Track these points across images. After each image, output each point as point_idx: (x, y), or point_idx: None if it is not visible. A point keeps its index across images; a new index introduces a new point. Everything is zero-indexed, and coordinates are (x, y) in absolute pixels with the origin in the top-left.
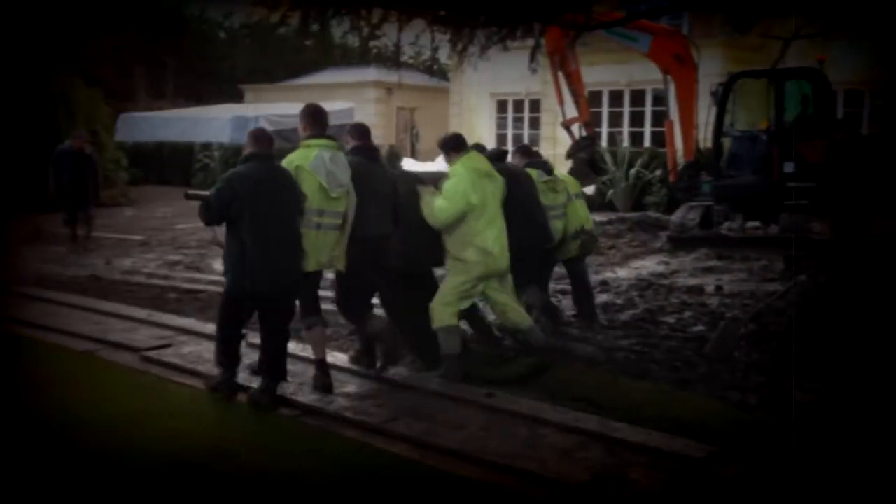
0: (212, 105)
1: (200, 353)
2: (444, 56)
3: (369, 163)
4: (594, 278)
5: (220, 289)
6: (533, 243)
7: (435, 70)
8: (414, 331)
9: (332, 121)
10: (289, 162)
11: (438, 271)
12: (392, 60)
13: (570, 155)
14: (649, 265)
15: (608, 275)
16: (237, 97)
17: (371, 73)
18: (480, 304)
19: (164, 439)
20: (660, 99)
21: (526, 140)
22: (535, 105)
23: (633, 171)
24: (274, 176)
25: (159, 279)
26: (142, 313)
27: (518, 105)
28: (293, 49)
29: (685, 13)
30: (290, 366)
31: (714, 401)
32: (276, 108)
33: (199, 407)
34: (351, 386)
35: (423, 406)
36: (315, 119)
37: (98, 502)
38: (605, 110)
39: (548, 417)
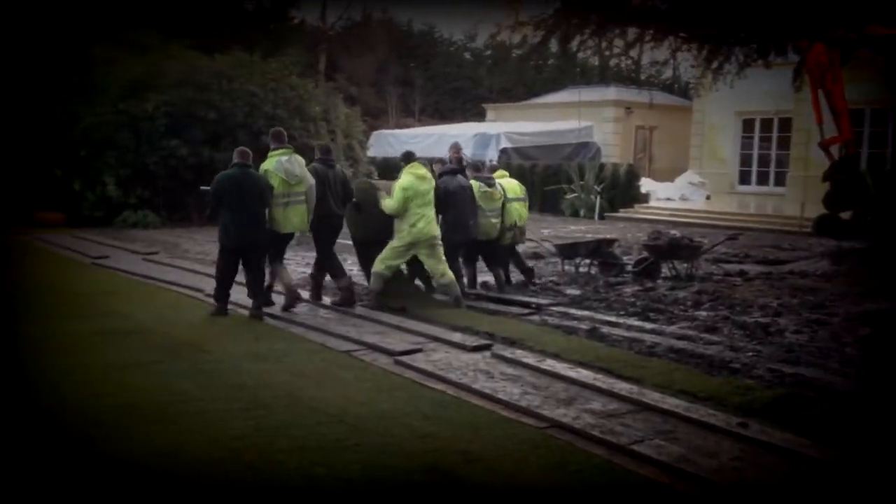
0: (456, 123)
1: (449, 361)
2: (686, 74)
3: (327, 168)
4: None
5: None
6: (458, 239)
7: (675, 88)
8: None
9: (571, 139)
10: (262, 168)
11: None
12: (632, 79)
13: (827, 177)
14: None
15: None
16: (479, 115)
17: (610, 92)
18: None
19: (416, 439)
20: None
21: (773, 161)
22: (785, 124)
23: None
24: (245, 176)
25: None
26: (393, 319)
27: (766, 124)
28: (534, 68)
29: None
30: (535, 379)
31: None
32: (515, 126)
33: (448, 412)
34: (596, 403)
35: (673, 429)
36: (276, 137)
37: (357, 495)
38: (866, 130)
39: (807, 453)
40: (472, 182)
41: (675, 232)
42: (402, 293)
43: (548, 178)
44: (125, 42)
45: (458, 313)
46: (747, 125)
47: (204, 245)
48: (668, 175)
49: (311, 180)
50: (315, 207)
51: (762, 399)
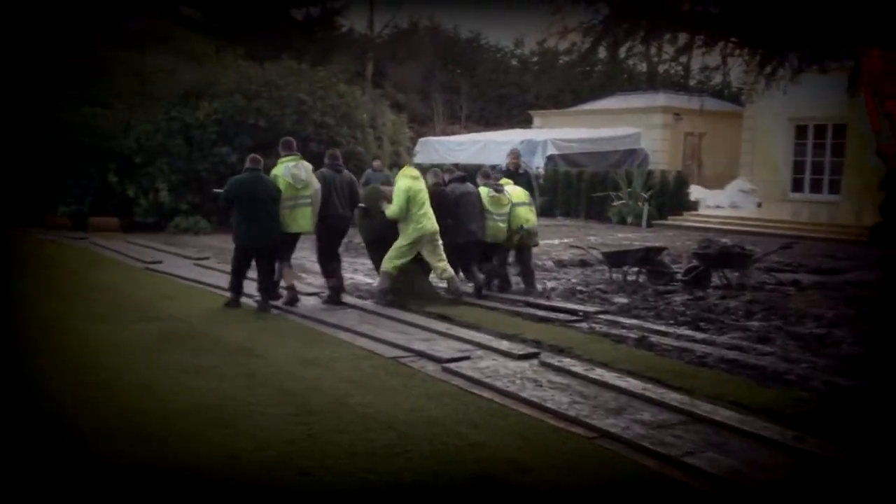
0: (502, 129)
1: (497, 369)
2: (738, 79)
3: (335, 172)
4: None
5: (511, 306)
6: (461, 241)
7: (725, 94)
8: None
9: (619, 146)
10: (272, 173)
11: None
12: (681, 85)
13: (884, 185)
14: None
15: None
16: (525, 122)
17: (659, 98)
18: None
19: (465, 447)
20: None
21: (827, 168)
22: (839, 130)
23: None
24: (257, 180)
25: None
26: (440, 326)
27: (819, 130)
28: (581, 75)
29: None
30: (583, 388)
31: None
32: (562, 132)
33: (497, 420)
34: (646, 413)
35: (725, 441)
36: (286, 146)
37: (408, 503)
38: None
39: (864, 468)
40: (482, 188)
41: (725, 240)
42: (420, 291)
43: (595, 184)
44: (181, 51)
45: (505, 320)
46: (800, 131)
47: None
48: (717, 182)
49: (317, 185)
50: (321, 208)
51: (818, 412)
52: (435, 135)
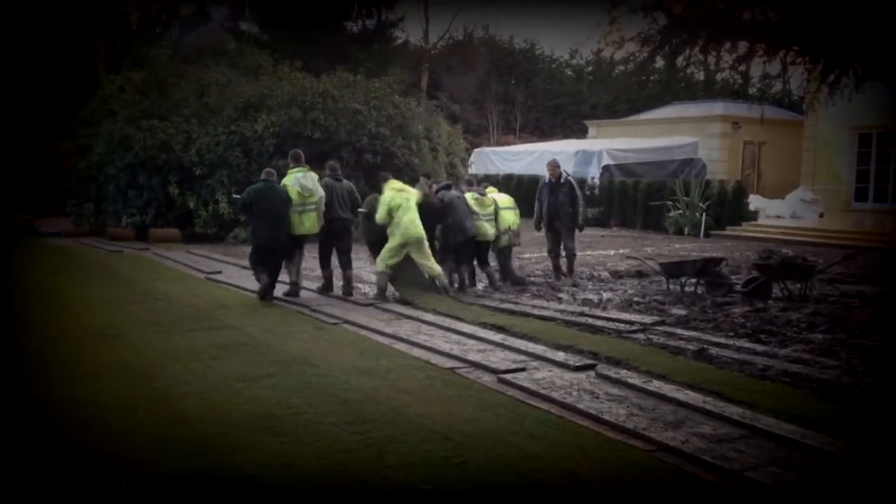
0: (557, 140)
1: (552, 380)
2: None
3: (335, 181)
4: None
5: (567, 317)
6: (460, 238)
7: (785, 102)
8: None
9: (676, 155)
10: (282, 183)
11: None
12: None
13: None
14: None
15: None
16: (580, 132)
17: (717, 107)
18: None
19: (522, 459)
20: None
21: (893, 177)
22: None
23: None
24: (271, 189)
25: (511, 304)
26: (496, 336)
27: (884, 139)
28: (637, 84)
29: None
30: (641, 400)
31: None
32: (617, 142)
33: (553, 432)
34: (706, 427)
35: (788, 457)
36: (295, 158)
37: None
38: None
39: None
40: (467, 194)
41: (787, 251)
42: (413, 279)
43: (651, 194)
44: (238, 65)
45: (561, 331)
46: (863, 140)
47: (308, 262)
48: (777, 192)
49: (321, 193)
50: (325, 212)
51: (883, 427)
52: (490, 146)
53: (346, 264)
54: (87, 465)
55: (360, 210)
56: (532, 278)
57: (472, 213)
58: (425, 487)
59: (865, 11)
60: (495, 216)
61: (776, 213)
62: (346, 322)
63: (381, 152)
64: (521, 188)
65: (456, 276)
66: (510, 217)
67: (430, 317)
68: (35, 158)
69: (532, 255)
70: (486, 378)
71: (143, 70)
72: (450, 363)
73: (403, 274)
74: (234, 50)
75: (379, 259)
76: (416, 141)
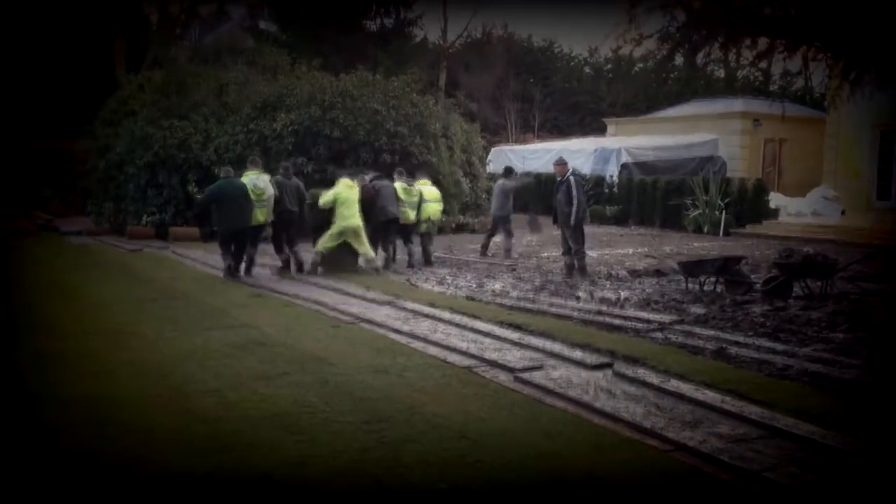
0: (576, 138)
1: (569, 378)
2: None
3: (286, 179)
4: None
5: (584, 315)
6: (382, 219)
7: (807, 99)
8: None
9: (696, 153)
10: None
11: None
12: (760, 90)
13: None
14: None
15: None
16: (599, 130)
17: (737, 104)
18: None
19: (538, 457)
20: None
21: None
22: None
23: None
24: (231, 183)
25: (528, 303)
26: (513, 335)
27: None
28: (656, 81)
29: None
30: (658, 399)
31: None
32: (636, 140)
33: (570, 430)
34: (724, 426)
35: (808, 457)
36: (253, 163)
37: None
38: None
39: None
40: (397, 183)
41: (808, 249)
42: (344, 265)
43: (670, 192)
44: (256, 64)
45: (578, 330)
46: (886, 137)
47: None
48: (798, 190)
49: (272, 191)
50: (275, 206)
51: None
52: (508, 144)
53: (292, 246)
54: (100, 463)
55: (307, 202)
56: (550, 276)
57: (399, 199)
58: (441, 486)
59: (886, 9)
60: (419, 205)
61: (797, 211)
62: (363, 320)
63: (399, 151)
64: (539, 186)
65: (383, 252)
66: (432, 208)
67: (447, 315)
68: (55, 158)
69: (550, 255)
70: (503, 376)
71: (162, 70)
72: (466, 361)
73: (336, 261)
74: (253, 49)
75: (319, 242)
76: (434, 140)
